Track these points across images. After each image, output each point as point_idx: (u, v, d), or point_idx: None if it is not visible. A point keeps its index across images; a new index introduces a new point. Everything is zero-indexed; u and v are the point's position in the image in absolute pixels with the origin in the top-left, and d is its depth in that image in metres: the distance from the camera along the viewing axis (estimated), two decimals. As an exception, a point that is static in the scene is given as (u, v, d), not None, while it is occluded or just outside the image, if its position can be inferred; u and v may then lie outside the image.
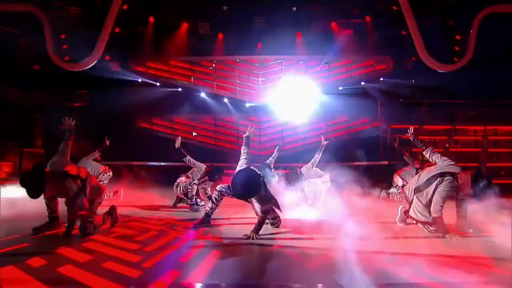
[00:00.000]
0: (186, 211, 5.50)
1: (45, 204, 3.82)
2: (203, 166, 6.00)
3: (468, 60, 8.96)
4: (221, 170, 5.94)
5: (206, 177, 5.94)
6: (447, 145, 10.34)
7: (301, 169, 6.05)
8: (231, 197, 4.08)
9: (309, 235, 3.75)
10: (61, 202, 3.78)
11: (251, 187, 3.62)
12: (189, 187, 5.58)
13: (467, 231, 3.82)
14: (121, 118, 11.85)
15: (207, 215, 4.16)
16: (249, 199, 4.03)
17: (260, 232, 3.65)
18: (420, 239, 3.62)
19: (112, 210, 4.19)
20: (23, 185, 3.48)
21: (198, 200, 5.77)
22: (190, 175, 5.94)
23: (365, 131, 12.45)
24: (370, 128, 12.37)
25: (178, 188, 5.73)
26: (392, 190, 6.82)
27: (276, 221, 4.19)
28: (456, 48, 9.41)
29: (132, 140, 11.45)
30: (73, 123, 4.07)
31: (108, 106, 11.85)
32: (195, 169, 5.97)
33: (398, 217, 4.35)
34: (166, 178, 10.04)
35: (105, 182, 6.43)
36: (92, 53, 9.40)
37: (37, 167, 3.61)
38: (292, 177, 5.97)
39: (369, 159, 10.36)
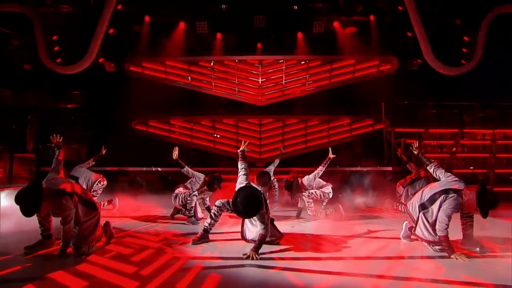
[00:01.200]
0: (184, 224, 5.51)
1: (37, 222, 3.83)
2: (201, 176, 5.97)
3: (476, 63, 8.92)
4: (220, 179, 5.92)
5: (205, 187, 5.94)
6: (454, 149, 10.31)
7: (303, 179, 6.07)
8: (230, 212, 4.09)
9: (311, 254, 3.76)
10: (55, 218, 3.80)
11: (253, 206, 3.63)
12: (188, 199, 5.58)
13: (474, 250, 3.83)
14: (116, 120, 11.85)
15: (206, 231, 4.17)
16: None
17: (261, 250, 3.67)
18: (426, 260, 3.62)
19: (106, 226, 4.20)
20: (18, 202, 3.47)
21: (198, 210, 5.79)
22: (189, 185, 5.92)
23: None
24: (374, 131, 12.39)
25: (177, 199, 5.73)
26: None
27: (276, 239, 4.19)
28: (464, 50, 9.37)
29: (127, 143, 11.43)
30: (60, 139, 4.08)
31: (103, 108, 11.90)
32: (194, 179, 5.96)
33: (402, 233, 4.36)
34: (163, 184, 10.10)
35: (99, 192, 6.39)
36: (86, 56, 9.36)
37: (34, 183, 3.59)
38: (289, 186, 6.01)
39: (373, 164, 10.36)
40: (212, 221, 4.14)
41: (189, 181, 6.00)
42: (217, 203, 4.11)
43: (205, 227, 4.16)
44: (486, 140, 9.80)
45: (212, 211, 4.14)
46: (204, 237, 4.15)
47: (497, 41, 9.34)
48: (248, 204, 3.61)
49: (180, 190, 5.83)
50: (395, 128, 10.41)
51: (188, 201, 5.58)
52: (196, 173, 5.97)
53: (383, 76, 12.19)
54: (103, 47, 10.49)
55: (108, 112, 11.71)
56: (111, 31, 10.13)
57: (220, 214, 4.13)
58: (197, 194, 5.67)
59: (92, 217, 3.82)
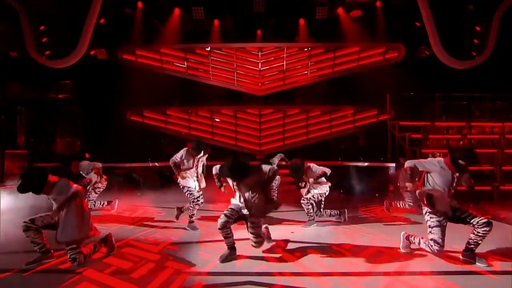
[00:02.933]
0: (183, 229, 5.67)
1: (31, 242, 4.00)
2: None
3: (487, 56, 8.82)
4: (201, 142, 5.89)
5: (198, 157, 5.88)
6: (461, 143, 10.41)
7: (312, 166, 5.98)
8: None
9: (312, 268, 3.92)
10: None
11: (240, 167, 4.08)
12: (191, 206, 5.76)
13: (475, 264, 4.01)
14: (109, 111, 11.88)
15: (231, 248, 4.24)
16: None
17: (259, 268, 3.84)
18: (428, 276, 3.79)
19: (108, 238, 4.37)
20: (24, 179, 3.84)
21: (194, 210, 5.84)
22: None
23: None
24: (378, 122, 12.45)
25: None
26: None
27: (258, 242, 4.25)
28: (475, 41, 9.24)
29: (121, 137, 11.52)
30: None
31: (95, 99, 11.89)
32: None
33: (401, 244, 4.52)
34: (161, 181, 10.26)
35: (102, 188, 6.69)
36: (77, 48, 9.27)
37: (37, 169, 4.15)
38: (297, 169, 5.83)
39: (376, 159, 10.48)
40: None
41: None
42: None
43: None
44: (495, 135, 9.86)
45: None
46: (231, 255, 4.20)
47: (510, 29, 9.23)
48: (236, 165, 4.06)
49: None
50: (399, 121, 10.47)
51: (190, 208, 5.74)
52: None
53: (389, 66, 12.12)
54: (95, 36, 10.38)
55: (101, 103, 11.73)
56: (102, 21, 9.99)
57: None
58: (199, 202, 5.80)
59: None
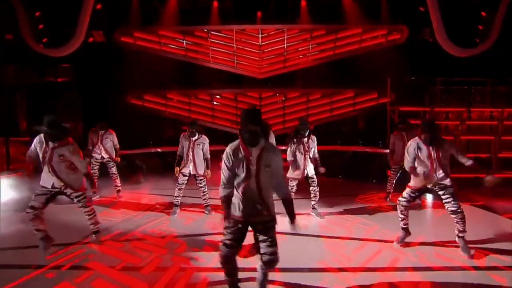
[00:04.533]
0: (189, 216, 5.94)
1: (35, 230, 4.28)
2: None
3: (492, 43, 8.71)
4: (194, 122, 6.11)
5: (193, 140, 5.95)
6: (460, 128, 10.48)
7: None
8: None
9: (307, 263, 4.18)
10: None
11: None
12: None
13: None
14: (108, 95, 11.90)
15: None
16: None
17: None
18: (415, 272, 4.06)
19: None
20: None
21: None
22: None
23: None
24: (378, 106, 12.52)
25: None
26: None
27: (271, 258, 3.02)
28: (480, 27, 9.09)
29: (121, 121, 11.60)
30: None
31: (94, 83, 11.87)
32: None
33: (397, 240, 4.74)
34: (162, 166, 10.46)
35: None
36: (74, 37, 9.19)
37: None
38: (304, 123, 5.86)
39: (375, 144, 10.65)
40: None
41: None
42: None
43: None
44: (494, 121, 9.95)
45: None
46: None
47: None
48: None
49: None
50: (399, 106, 10.55)
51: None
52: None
53: (391, 49, 12.02)
54: (92, 18, 10.25)
55: (100, 87, 11.74)
56: (98, 6, 9.82)
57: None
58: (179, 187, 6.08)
59: None
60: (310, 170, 5.95)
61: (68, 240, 4.80)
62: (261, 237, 3.04)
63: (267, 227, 3.04)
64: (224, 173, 3.03)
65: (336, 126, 13.18)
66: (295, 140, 5.85)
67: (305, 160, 5.85)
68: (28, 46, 10.58)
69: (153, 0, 11.30)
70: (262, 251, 3.03)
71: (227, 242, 3.02)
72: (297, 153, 5.86)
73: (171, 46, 12.55)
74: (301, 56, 12.86)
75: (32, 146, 4.43)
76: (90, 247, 4.66)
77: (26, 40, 9.32)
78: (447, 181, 4.35)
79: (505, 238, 4.92)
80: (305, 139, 5.82)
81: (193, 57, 12.71)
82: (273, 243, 3.02)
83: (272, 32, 12.47)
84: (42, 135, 4.35)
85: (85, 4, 9.00)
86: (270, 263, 3.01)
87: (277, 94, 13.26)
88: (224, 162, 3.01)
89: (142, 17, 11.78)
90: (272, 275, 3.46)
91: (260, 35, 12.47)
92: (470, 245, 4.42)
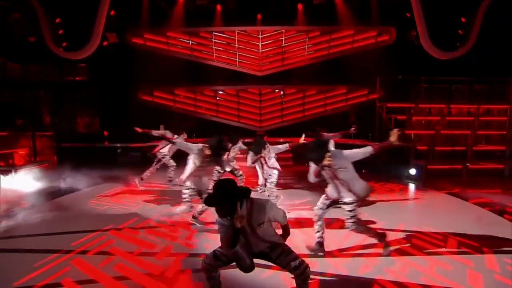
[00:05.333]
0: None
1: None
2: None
3: (471, 46, 8.74)
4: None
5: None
6: (440, 124, 10.50)
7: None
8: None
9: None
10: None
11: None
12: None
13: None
14: (122, 92, 11.94)
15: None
16: None
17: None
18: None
19: None
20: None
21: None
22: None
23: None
24: (368, 101, 12.56)
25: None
26: None
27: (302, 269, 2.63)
28: (460, 32, 9.11)
29: (133, 116, 11.69)
30: None
31: (108, 81, 11.89)
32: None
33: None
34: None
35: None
36: (91, 41, 9.19)
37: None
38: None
39: (365, 137, 10.74)
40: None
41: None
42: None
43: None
44: (471, 117, 10.04)
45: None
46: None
47: (493, 18, 9.05)
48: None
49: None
50: (387, 103, 10.61)
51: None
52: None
53: (380, 50, 12.01)
54: (106, 21, 10.21)
55: (114, 85, 11.76)
56: (112, 12, 9.78)
57: None
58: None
59: None
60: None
61: (90, 227, 4.95)
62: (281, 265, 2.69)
63: (277, 255, 2.69)
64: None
65: (330, 120, 13.22)
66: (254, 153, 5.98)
67: (262, 169, 6.05)
68: (47, 46, 10.61)
69: (161, 3, 11.18)
70: (291, 273, 2.67)
71: (219, 254, 2.73)
72: (256, 163, 6.05)
73: (178, 46, 12.53)
74: (297, 56, 12.83)
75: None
76: (110, 234, 4.81)
77: (48, 45, 9.31)
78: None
79: (473, 224, 5.05)
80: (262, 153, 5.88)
81: (198, 56, 12.71)
82: (296, 264, 2.61)
83: (271, 33, 12.43)
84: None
85: (100, 11, 8.96)
86: (304, 276, 2.64)
87: (276, 90, 13.30)
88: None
89: (151, 19, 11.70)
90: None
91: (260, 36, 12.44)
92: (444, 231, 4.57)
